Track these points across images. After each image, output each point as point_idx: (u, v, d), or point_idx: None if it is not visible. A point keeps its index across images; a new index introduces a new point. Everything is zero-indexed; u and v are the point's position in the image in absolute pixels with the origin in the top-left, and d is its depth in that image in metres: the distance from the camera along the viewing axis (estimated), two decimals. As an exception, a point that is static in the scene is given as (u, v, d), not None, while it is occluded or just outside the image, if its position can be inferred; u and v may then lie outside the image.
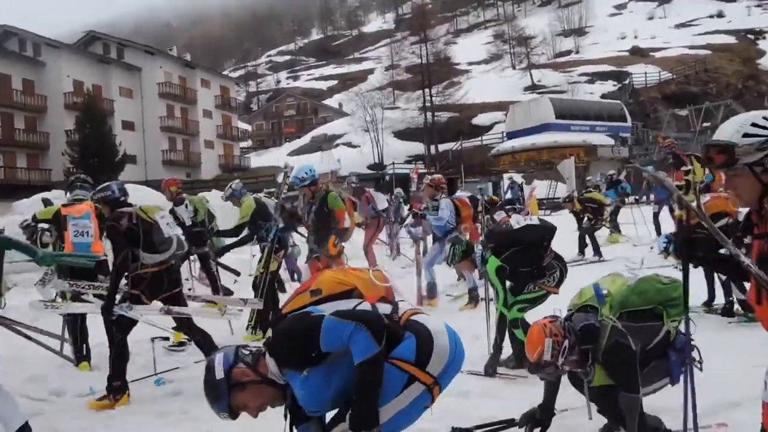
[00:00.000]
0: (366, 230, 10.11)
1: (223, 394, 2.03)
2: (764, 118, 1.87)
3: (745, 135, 1.86)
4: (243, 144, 56.76)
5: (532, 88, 50.18)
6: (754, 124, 1.87)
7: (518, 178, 24.70)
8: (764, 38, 55.17)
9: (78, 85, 36.74)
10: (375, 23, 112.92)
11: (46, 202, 7.35)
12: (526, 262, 4.20)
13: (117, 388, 4.01)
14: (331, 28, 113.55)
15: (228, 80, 54.61)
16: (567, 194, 13.59)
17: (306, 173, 6.20)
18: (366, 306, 2.13)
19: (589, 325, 2.81)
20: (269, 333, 5.85)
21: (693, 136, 37.49)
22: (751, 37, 55.38)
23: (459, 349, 2.16)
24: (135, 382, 4.26)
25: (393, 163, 37.26)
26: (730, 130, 1.91)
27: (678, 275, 2.69)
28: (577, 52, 61.02)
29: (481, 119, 46.12)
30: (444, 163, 40.83)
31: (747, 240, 1.98)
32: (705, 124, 39.96)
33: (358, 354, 1.95)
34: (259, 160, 51.41)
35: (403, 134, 46.41)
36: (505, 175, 34.38)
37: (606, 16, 71.12)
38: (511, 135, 35.55)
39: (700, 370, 2.82)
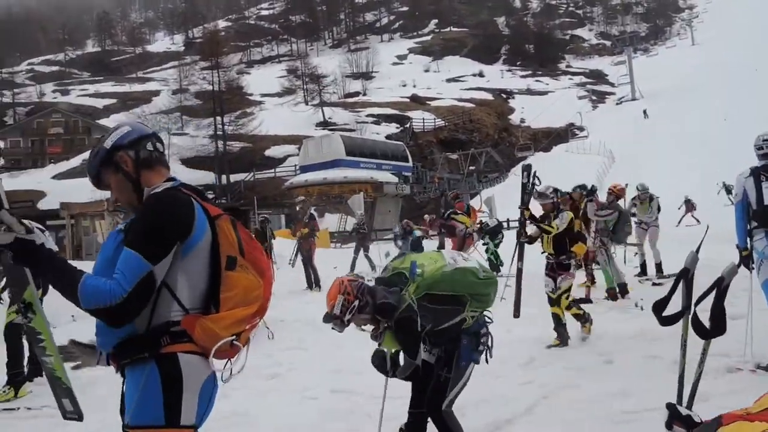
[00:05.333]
0: None
1: (96, 164, 1.97)
2: None
3: None
4: (-8, 163, 48.14)
5: (324, 124, 51.90)
6: None
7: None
8: (513, 98, 65.71)
9: None
10: (162, 43, 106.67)
11: None
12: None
13: None
14: (110, 42, 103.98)
15: (-26, 87, 46.08)
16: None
17: None
18: None
19: (386, 303, 2.98)
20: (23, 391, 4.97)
21: (462, 177, 42.65)
22: (504, 96, 65.53)
23: None
24: None
25: (180, 192, 34.98)
26: None
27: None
28: (365, 94, 65.12)
29: (274, 151, 46.08)
30: (236, 194, 39.77)
31: None
32: (471, 168, 45.88)
33: None
34: (13, 182, 43.86)
35: (191, 162, 44.01)
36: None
37: (390, 64, 77.62)
38: (305, 169, 36.00)
39: (491, 356, 3.18)
